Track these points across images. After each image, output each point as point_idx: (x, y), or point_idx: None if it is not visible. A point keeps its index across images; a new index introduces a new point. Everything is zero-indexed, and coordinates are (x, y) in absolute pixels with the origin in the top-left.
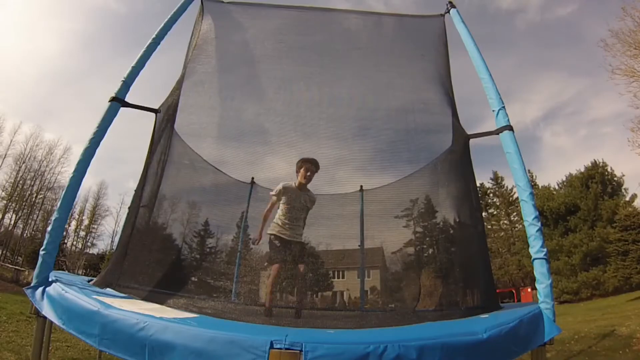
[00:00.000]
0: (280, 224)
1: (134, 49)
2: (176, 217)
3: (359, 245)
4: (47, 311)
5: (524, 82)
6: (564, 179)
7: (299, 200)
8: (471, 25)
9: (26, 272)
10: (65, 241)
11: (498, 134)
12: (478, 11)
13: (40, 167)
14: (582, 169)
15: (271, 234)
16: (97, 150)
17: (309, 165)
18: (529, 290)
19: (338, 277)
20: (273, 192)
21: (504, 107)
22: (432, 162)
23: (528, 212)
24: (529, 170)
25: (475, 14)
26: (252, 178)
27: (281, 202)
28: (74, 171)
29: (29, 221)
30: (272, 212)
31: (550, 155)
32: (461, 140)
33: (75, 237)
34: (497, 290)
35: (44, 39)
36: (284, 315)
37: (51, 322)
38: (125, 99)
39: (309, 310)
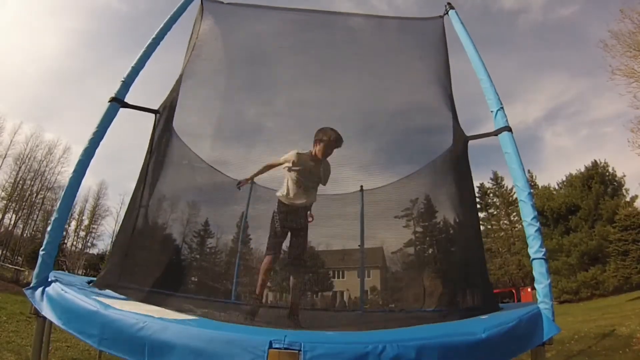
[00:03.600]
0: (288, 194)
1: (135, 48)
2: (176, 217)
3: (359, 245)
4: (47, 312)
5: (526, 82)
6: (564, 179)
7: (313, 173)
8: (474, 26)
9: (26, 272)
10: (65, 241)
11: (497, 135)
12: (481, 11)
13: (40, 167)
14: (583, 169)
15: (279, 200)
16: (96, 151)
17: (331, 142)
18: (529, 290)
19: (338, 277)
20: (283, 158)
21: (502, 107)
22: (431, 163)
23: (527, 212)
24: (528, 171)
25: (478, 14)
26: None
27: (292, 169)
28: (74, 171)
29: (29, 221)
30: (269, 170)
31: (552, 155)
32: (460, 141)
33: (75, 237)
34: (497, 290)
35: (44, 38)
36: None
37: (51, 322)
38: (125, 99)
39: (310, 310)
